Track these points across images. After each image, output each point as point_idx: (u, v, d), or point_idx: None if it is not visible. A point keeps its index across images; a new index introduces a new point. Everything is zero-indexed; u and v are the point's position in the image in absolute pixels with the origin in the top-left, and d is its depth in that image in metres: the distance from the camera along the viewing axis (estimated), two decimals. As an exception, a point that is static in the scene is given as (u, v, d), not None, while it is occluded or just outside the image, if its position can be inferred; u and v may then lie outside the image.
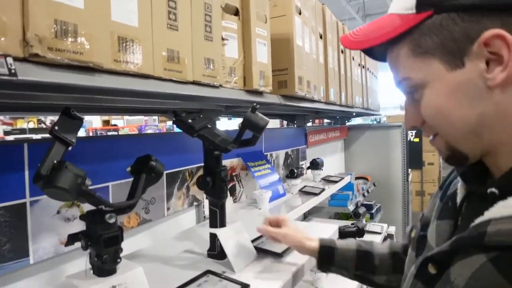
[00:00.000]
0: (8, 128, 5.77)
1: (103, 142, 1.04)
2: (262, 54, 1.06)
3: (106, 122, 7.84)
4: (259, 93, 1.06)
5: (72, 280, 0.67)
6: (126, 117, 7.78)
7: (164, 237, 1.23)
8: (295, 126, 2.54)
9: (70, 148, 0.62)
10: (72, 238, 0.66)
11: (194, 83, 0.82)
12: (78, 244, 0.68)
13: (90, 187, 0.63)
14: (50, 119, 5.47)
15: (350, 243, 0.89)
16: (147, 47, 0.70)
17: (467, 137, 0.49)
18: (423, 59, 0.49)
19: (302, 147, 2.43)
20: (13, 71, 0.47)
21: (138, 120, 7.79)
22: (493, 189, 0.47)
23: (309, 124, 2.71)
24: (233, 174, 1.64)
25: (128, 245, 1.09)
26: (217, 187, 0.92)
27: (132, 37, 0.67)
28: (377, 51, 0.58)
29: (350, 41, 0.55)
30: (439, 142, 0.53)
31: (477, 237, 0.45)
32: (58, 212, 0.89)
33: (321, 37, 1.67)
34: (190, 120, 0.84)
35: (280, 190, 1.74)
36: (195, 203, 1.40)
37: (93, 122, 7.55)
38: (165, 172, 1.25)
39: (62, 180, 0.55)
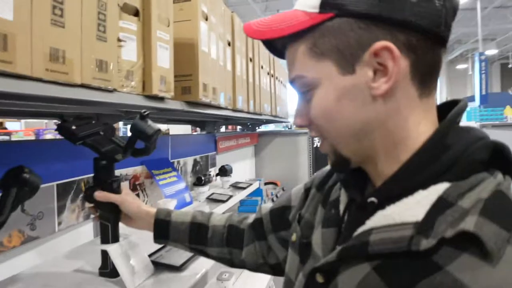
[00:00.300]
0: None
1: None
2: (163, 59, 1.02)
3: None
4: (159, 98, 1.02)
5: None
6: (24, 120, 6.97)
7: (54, 256, 1.11)
8: (205, 132, 2.51)
9: None
10: None
11: (83, 86, 0.75)
12: None
13: None
14: None
15: (186, 215, 0.89)
16: (24, 44, 0.62)
17: (349, 141, 0.51)
18: (319, 60, 0.50)
19: (211, 153, 2.41)
20: None
21: (39, 123, 7.03)
22: (372, 199, 0.49)
23: (223, 130, 2.70)
24: (136, 183, 1.56)
25: (8, 268, 0.96)
26: None
27: (5, 31, 0.58)
28: (278, 45, 0.58)
29: (253, 30, 0.53)
30: (326, 146, 0.54)
31: (361, 247, 0.46)
32: None
33: (229, 44, 1.67)
34: (74, 127, 0.76)
35: (187, 198, 1.70)
36: (92, 216, 1.29)
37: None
38: (56, 183, 1.14)
39: None
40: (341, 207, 0.57)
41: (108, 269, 0.88)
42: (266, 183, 3.24)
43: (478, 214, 0.41)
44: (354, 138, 0.51)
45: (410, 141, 0.49)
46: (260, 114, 2.29)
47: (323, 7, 0.48)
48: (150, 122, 0.82)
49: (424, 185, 0.45)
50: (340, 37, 0.47)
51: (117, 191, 0.87)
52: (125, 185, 0.89)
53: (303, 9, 0.50)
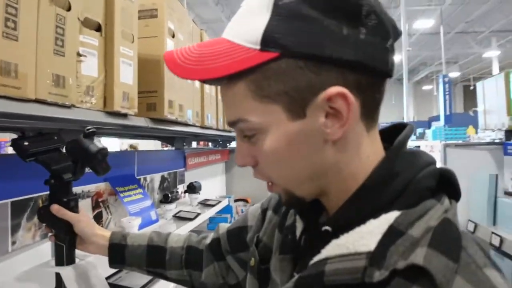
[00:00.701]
0: None
1: None
2: (127, 75, 1.00)
3: (-44, 138, 6.59)
4: (122, 115, 0.99)
5: None
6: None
7: (6, 278, 1.05)
8: (174, 148, 2.48)
9: None
10: None
11: (37, 101, 0.72)
12: None
13: None
14: None
15: (142, 237, 0.86)
16: (-28, 57, 0.59)
17: (302, 184, 0.50)
18: (265, 104, 0.45)
19: (180, 170, 2.38)
20: None
21: (3, 134, 6.76)
22: (327, 227, 0.49)
23: (194, 145, 2.67)
24: (99, 200, 1.51)
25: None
26: (62, 219, 0.82)
27: (-48, 43, 0.56)
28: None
29: (179, 67, 0.46)
30: (276, 188, 0.53)
31: (316, 276, 0.45)
32: None
33: (198, 61, 1.66)
34: (26, 143, 0.73)
35: (153, 216, 1.66)
36: (50, 234, 1.23)
37: None
38: (10, 200, 1.08)
39: None
40: (298, 233, 0.57)
41: (61, 293, 0.84)
42: (236, 200, 3.21)
43: (427, 245, 0.41)
44: (307, 180, 0.49)
45: (362, 174, 0.48)
46: (230, 131, 2.29)
47: (265, 45, 0.43)
48: (95, 140, 0.79)
49: (375, 214, 0.45)
50: (288, 81, 0.44)
51: (75, 210, 0.83)
52: (82, 207, 0.86)
53: (239, 43, 0.45)
